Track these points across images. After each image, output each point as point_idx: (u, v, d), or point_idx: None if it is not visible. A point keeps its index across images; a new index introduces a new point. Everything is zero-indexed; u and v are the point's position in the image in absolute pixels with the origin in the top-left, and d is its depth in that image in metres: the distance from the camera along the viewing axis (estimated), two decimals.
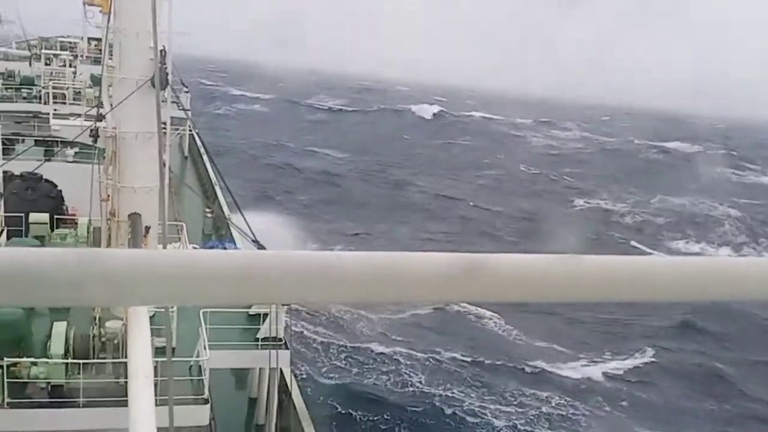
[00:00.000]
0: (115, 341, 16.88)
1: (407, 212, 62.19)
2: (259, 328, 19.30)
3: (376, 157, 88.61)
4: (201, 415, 16.56)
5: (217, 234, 31.06)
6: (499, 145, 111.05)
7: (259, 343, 19.11)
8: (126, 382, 13.70)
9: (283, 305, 18.75)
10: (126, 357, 14.91)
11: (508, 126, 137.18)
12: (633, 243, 59.96)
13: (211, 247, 26.89)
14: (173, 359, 13.46)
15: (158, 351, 15.72)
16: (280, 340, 19.25)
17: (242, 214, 21.32)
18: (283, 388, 20.53)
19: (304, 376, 29.38)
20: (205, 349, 17.21)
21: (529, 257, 1.34)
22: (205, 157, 39.94)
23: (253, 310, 19.94)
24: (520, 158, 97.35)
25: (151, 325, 14.72)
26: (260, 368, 20.39)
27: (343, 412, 28.46)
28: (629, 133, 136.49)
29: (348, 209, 60.06)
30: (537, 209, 67.31)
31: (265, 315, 19.36)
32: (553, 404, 30.95)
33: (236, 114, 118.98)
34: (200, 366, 17.41)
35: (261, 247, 19.34)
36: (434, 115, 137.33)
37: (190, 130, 41.06)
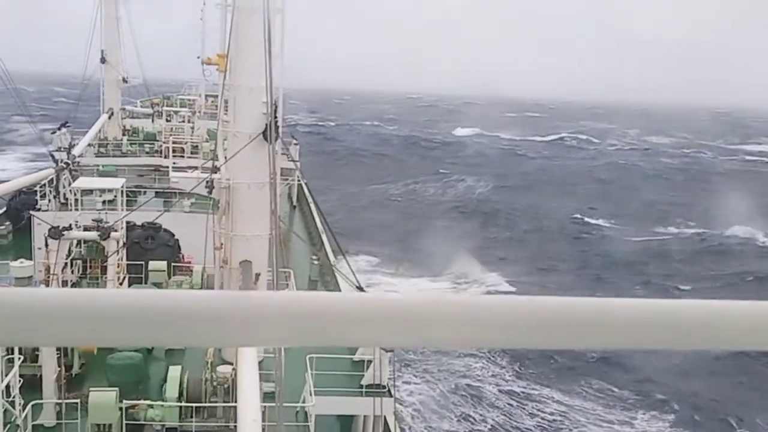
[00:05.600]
0: (225, 385, 17.38)
1: None
2: (363, 375, 19.36)
3: None
4: None
5: (323, 280, 31.62)
6: None
7: (363, 390, 19.12)
8: (235, 426, 14.01)
9: (386, 351, 18.73)
10: (236, 401, 15.29)
11: None
12: None
13: None
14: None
15: (266, 396, 16.03)
16: (384, 387, 19.20)
17: (347, 260, 21.64)
18: None
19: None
20: (311, 395, 17.39)
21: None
22: (312, 206, 40.99)
23: (357, 356, 20.03)
24: None
25: (259, 370, 15.06)
26: (365, 416, 20.36)
27: None
28: None
29: None
30: None
31: (369, 361, 19.41)
32: None
33: None
34: (306, 412, 17.58)
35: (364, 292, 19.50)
36: None
37: (299, 180, 42.40)
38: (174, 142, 39.72)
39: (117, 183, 26.36)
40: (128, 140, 45.31)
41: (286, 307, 1.18)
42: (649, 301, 1.29)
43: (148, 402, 16.92)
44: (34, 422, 16.32)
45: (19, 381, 15.77)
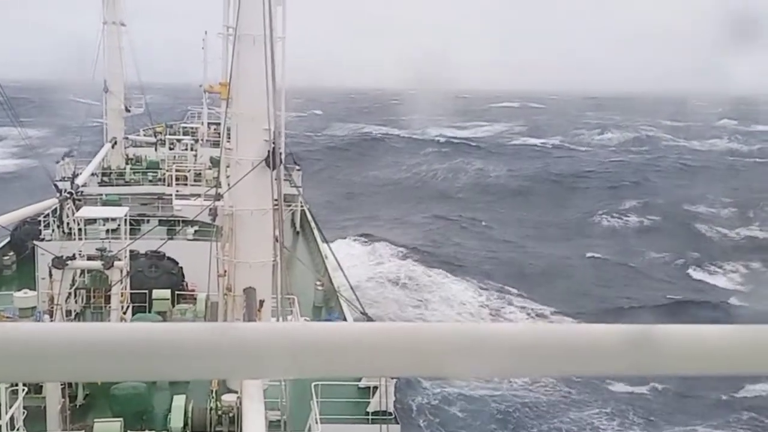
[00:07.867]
0: (231, 414, 17.24)
1: None
2: (369, 402, 19.19)
3: None
4: None
5: (327, 306, 31.48)
6: None
7: (370, 417, 18.95)
8: None
9: (392, 377, 18.61)
10: (241, 430, 15.14)
11: None
12: None
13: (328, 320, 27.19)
14: None
15: (272, 424, 15.88)
16: (390, 414, 19.02)
17: (351, 286, 21.61)
18: None
19: None
20: (316, 423, 17.23)
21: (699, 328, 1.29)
22: (315, 231, 40.95)
23: (363, 383, 19.88)
24: None
25: (264, 398, 14.94)
26: None
27: None
28: None
29: None
30: None
31: (375, 388, 19.25)
32: None
33: None
34: None
35: (369, 318, 19.43)
36: None
37: (301, 206, 42.43)
38: (177, 170, 39.85)
39: (120, 212, 26.38)
40: (131, 169, 45.45)
41: (289, 338, 1.17)
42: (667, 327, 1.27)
43: None
44: None
45: (24, 413, 15.65)
